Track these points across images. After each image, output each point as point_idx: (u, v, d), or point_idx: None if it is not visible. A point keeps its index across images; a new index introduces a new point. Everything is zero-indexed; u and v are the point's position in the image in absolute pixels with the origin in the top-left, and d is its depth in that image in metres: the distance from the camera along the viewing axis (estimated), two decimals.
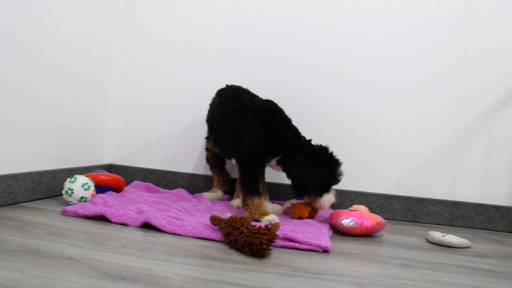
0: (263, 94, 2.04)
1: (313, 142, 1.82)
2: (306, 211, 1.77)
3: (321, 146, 1.79)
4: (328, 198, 1.76)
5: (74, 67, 1.98)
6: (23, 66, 1.68)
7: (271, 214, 1.67)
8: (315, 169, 1.73)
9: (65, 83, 1.93)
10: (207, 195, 2.08)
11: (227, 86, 2.03)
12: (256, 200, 1.70)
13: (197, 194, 2.10)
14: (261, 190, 1.79)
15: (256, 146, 1.76)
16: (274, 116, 1.81)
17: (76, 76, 2.00)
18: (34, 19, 1.71)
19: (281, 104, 1.90)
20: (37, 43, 1.73)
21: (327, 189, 1.77)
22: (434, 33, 2.06)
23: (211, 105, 2.02)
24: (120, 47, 2.33)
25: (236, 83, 2.18)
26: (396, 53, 2.09)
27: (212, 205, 1.91)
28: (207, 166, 2.16)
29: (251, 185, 1.73)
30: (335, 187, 1.86)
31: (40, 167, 1.82)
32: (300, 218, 1.76)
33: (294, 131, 1.82)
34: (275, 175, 2.11)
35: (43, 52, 1.77)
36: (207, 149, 2.12)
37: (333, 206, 1.84)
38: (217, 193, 2.10)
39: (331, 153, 1.78)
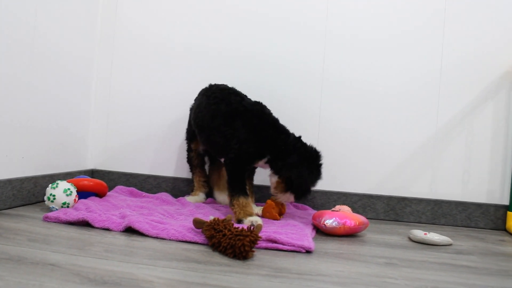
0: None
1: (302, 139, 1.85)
2: (278, 205, 1.83)
3: (314, 149, 1.81)
4: (288, 198, 1.81)
5: (56, 72, 1.97)
6: (4, 66, 1.67)
7: (255, 215, 1.68)
8: (311, 172, 1.77)
9: (46, 89, 1.91)
10: (190, 198, 2.07)
11: (213, 85, 2.03)
12: (242, 200, 1.71)
13: (181, 197, 2.09)
14: (247, 191, 1.80)
15: (242, 150, 1.78)
16: (261, 120, 1.83)
17: (57, 81, 1.98)
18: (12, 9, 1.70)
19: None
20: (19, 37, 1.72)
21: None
22: (414, 36, 2.08)
23: (199, 105, 1.99)
24: (100, 49, 2.33)
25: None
26: (377, 57, 2.11)
27: (195, 208, 1.90)
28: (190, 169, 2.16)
29: (238, 185, 1.75)
30: None
31: (21, 173, 1.80)
32: (281, 214, 1.83)
33: (281, 130, 1.83)
34: (258, 177, 2.11)
35: (24, 54, 1.76)
36: (190, 150, 2.12)
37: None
38: (199, 196, 2.10)
39: (321, 163, 1.81)
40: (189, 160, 2.13)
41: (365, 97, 2.11)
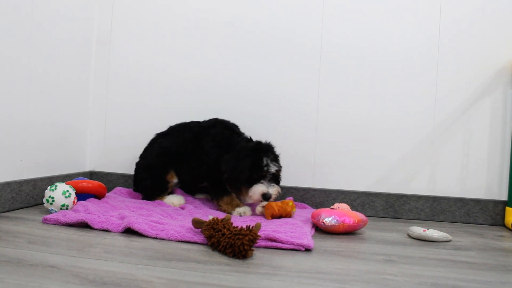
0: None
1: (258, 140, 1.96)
2: (276, 207, 1.79)
3: (254, 141, 1.95)
4: (258, 190, 1.81)
5: (54, 75, 1.97)
6: (1, 70, 1.67)
7: (243, 206, 1.88)
8: (240, 161, 1.84)
9: (44, 91, 1.91)
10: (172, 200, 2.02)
11: (172, 125, 2.17)
12: (226, 198, 1.91)
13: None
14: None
15: (210, 159, 1.96)
16: (216, 127, 2.03)
17: (55, 83, 1.99)
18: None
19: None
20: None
21: (256, 180, 1.83)
22: (409, 37, 2.09)
23: (175, 141, 2.08)
24: (97, 55, 2.33)
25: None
26: (372, 57, 2.11)
27: (194, 208, 1.90)
28: None
29: (218, 188, 1.94)
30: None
31: (20, 176, 1.80)
32: (274, 216, 1.79)
33: (237, 132, 2.03)
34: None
35: (21, 58, 1.76)
36: (167, 182, 2.05)
37: (267, 199, 1.82)
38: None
39: (258, 143, 1.91)
40: (163, 189, 2.05)
41: (362, 97, 2.12)
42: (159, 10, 2.29)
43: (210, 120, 2.09)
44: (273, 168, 1.84)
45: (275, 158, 1.90)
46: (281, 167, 1.92)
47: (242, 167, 1.82)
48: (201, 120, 2.13)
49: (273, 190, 1.83)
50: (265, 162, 1.83)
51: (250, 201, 1.91)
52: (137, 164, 2.12)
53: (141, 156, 2.13)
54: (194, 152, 2.02)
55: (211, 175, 1.96)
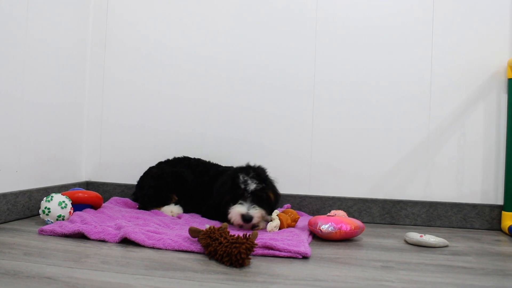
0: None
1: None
2: (285, 224, 1.76)
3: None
4: (235, 211, 1.72)
5: (49, 86, 1.97)
6: None
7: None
8: (223, 185, 1.82)
9: (39, 102, 1.91)
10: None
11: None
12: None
13: None
14: None
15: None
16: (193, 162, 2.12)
17: (50, 94, 1.99)
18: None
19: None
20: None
21: (235, 202, 1.74)
22: (404, 42, 2.10)
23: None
24: (92, 62, 2.33)
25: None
26: (369, 63, 2.12)
27: (191, 217, 1.90)
28: None
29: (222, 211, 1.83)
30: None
31: (16, 187, 1.80)
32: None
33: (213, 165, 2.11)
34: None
35: (17, 66, 1.76)
36: (170, 199, 2.06)
37: (248, 221, 1.70)
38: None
39: (244, 165, 1.88)
40: (165, 202, 2.04)
41: (357, 103, 2.12)
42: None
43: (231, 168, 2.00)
44: (251, 186, 1.73)
45: (257, 176, 1.78)
46: (266, 186, 1.78)
47: (224, 190, 1.78)
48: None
49: (255, 212, 1.71)
50: (241, 179, 1.75)
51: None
52: (150, 169, 2.12)
53: (157, 166, 2.13)
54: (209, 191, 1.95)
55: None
